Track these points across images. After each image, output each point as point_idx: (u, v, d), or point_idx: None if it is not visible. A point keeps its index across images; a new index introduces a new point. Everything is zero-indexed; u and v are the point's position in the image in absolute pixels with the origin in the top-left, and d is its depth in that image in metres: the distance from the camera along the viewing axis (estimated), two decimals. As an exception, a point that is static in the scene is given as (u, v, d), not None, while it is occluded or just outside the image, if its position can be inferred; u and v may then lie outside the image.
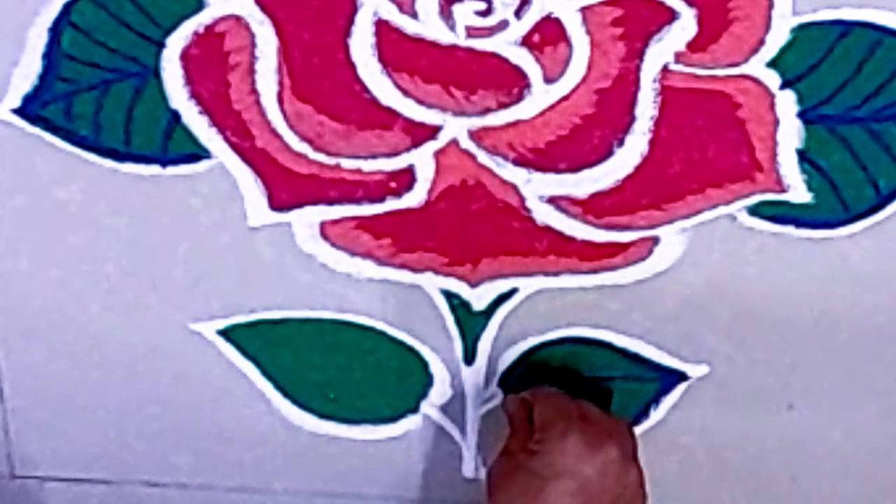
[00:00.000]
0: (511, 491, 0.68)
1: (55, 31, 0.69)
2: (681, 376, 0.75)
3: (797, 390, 0.75)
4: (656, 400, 0.76)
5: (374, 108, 0.69)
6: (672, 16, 0.66)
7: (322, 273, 0.74)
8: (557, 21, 0.67)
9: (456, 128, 0.70)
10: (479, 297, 0.74)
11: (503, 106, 0.69)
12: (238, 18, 0.68)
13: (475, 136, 0.70)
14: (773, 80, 0.68)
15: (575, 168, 0.70)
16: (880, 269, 0.72)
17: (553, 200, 0.71)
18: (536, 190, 0.71)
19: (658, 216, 0.71)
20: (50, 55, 0.69)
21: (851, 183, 0.70)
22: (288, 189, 0.72)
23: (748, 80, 0.68)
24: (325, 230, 0.73)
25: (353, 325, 0.75)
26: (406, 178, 0.71)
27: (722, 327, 0.74)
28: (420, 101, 0.69)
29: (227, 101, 0.70)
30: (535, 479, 0.67)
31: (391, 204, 0.72)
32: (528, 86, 0.68)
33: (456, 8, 0.67)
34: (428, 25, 0.67)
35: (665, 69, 0.68)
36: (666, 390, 0.76)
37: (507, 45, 0.68)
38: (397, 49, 0.68)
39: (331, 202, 0.72)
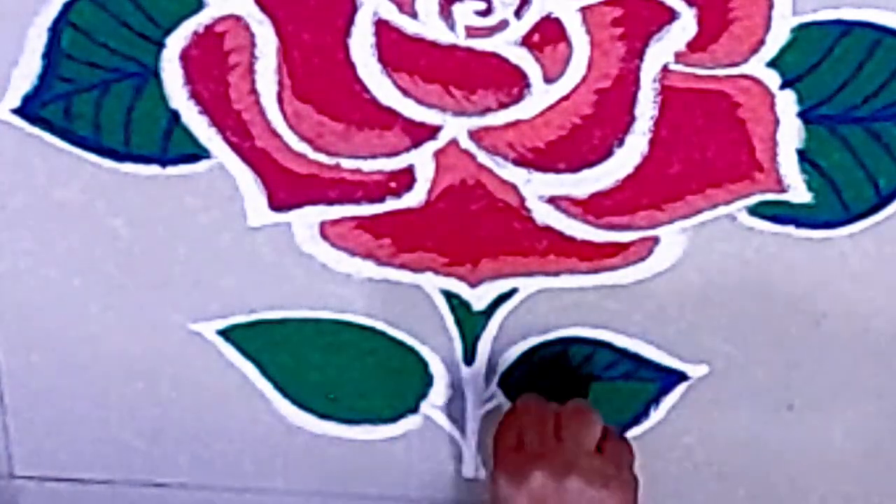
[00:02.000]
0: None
1: (55, 30, 0.69)
2: (681, 376, 0.75)
3: (797, 390, 0.75)
4: (656, 400, 0.76)
5: (374, 108, 0.69)
6: (672, 16, 0.66)
7: (322, 273, 0.74)
8: (557, 21, 0.67)
9: (456, 128, 0.70)
10: (479, 297, 0.74)
11: (503, 106, 0.69)
12: (238, 18, 0.68)
13: (475, 136, 0.70)
14: (773, 80, 0.68)
15: (575, 168, 0.70)
16: (880, 269, 0.72)
17: (553, 200, 0.71)
18: (536, 190, 0.71)
19: (658, 216, 0.71)
20: (50, 55, 0.69)
21: (851, 183, 0.70)
22: (288, 189, 0.72)
23: (748, 80, 0.68)
24: (324, 230, 0.73)
25: (353, 325, 0.75)
26: (406, 178, 0.71)
27: (722, 327, 0.74)
28: (420, 101, 0.69)
29: (226, 101, 0.70)
30: None
31: (391, 204, 0.72)
32: (528, 86, 0.68)
33: (456, 8, 0.67)
34: (428, 25, 0.67)
35: (665, 69, 0.68)
36: (666, 390, 0.76)
37: (507, 45, 0.68)
38: (397, 49, 0.68)
39: (331, 202, 0.72)
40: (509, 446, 0.69)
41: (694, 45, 0.67)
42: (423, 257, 0.73)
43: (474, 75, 0.68)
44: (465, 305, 0.74)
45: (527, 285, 0.74)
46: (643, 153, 0.69)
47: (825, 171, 0.69)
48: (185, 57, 0.69)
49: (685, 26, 0.67)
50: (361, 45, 0.68)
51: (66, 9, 0.68)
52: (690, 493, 0.78)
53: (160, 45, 0.69)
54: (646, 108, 0.68)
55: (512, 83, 0.68)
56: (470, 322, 0.75)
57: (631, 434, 0.76)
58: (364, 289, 0.74)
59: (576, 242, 0.72)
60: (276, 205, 0.72)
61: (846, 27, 0.66)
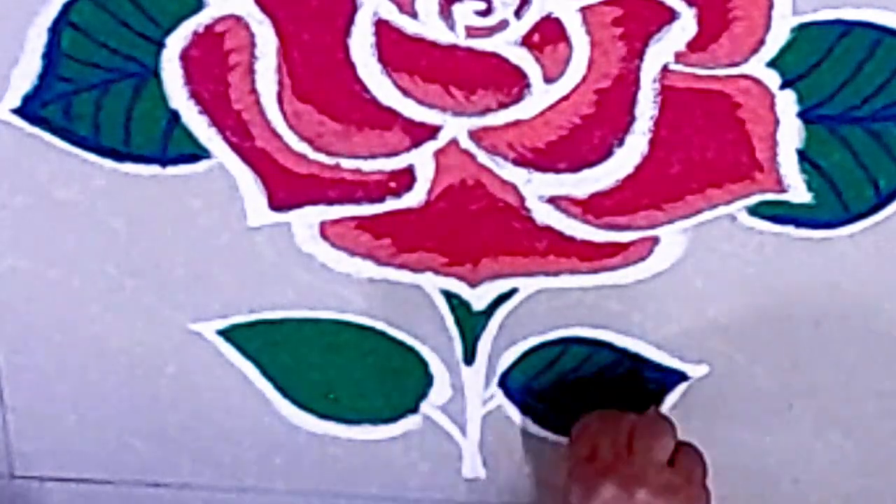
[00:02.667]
0: None
1: (55, 31, 0.69)
2: (681, 376, 0.75)
3: (797, 390, 0.75)
4: (656, 400, 0.76)
5: (374, 108, 0.69)
6: (672, 16, 0.66)
7: (322, 273, 0.74)
8: (557, 21, 0.67)
9: (456, 128, 0.70)
10: (479, 297, 0.74)
11: (503, 106, 0.69)
12: (238, 18, 0.68)
13: (475, 136, 0.70)
14: (773, 80, 0.68)
15: (575, 168, 0.70)
16: (880, 269, 0.72)
17: (553, 200, 0.71)
18: (536, 190, 0.71)
19: (658, 216, 0.71)
20: (50, 55, 0.69)
21: (851, 183, 0.70)
22: (288, 189, 0.72)
23: (748, 80, 0.68)
24: (324, 230, 0.73)
25: (353, 325, 0.75)
26: (406, 178, 0.71)
27: (722, 327, 0.74)
28: (420, 101, 0.69)
29: (226, 101, 0.70)
30: None
31: (391, 204, 0.72)
32: (528, 86, 0.68)
33: (456, 8, 0.67)
34: (428, 25, 0.67)
35: (665, 69, 0.68)
36: (666, 390, 0.76)
37: (507, 45, 0.68)
38: (397, 49, 0.68)
39: (330, 202, 0.72)
40: (583, 456, 0.70)
41: (694, 45, 0.67)
42: (423, 257, 0.73)
43: (474, 75, 0.68)
44: (465, 305, 0.74)
45: (527, 285, 0.74)
46: (643, 153, 0.69)
47: (825, 171, 0.69)
48: (185, 57, 0.69)
49: (685, 26, 0.67)
50: (361, 45, 0.68)
51: (66, 9, 0.68)
52: (690, 493, 0.78)
53: (160, 45, 0.69)
54: (646, 108, 0.68)
55: (512, 83, 0.68)
56: (470, 322, 0.75)
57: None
58: (364, 289, 0.74)
59: (576, 242, 0.72)
60: (276, 205, 0.72)
61: (846, 27, 0.66)
